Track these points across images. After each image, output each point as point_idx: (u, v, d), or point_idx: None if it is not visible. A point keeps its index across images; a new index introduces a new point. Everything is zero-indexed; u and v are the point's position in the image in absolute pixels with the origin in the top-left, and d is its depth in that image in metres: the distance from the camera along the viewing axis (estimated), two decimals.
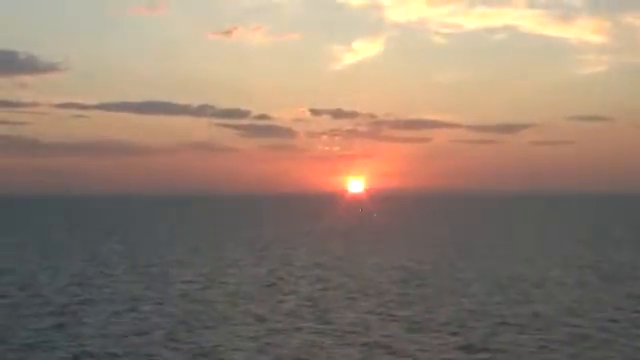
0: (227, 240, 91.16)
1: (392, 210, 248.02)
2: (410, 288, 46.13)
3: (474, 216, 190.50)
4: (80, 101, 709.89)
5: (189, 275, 53.80)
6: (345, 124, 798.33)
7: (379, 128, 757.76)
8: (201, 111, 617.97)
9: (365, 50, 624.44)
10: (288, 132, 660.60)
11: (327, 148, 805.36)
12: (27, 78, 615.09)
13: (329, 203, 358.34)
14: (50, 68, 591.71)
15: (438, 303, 39.93)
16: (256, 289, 46.16)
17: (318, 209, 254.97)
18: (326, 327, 33.45)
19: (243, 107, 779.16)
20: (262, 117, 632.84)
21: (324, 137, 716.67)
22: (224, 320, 35.22)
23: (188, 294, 43.92)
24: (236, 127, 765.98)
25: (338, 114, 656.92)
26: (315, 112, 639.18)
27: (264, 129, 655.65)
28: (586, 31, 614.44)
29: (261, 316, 36.32)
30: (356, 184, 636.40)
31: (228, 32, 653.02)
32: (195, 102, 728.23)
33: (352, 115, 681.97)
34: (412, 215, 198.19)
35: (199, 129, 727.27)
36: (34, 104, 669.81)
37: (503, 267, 58.23)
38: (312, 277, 52.70)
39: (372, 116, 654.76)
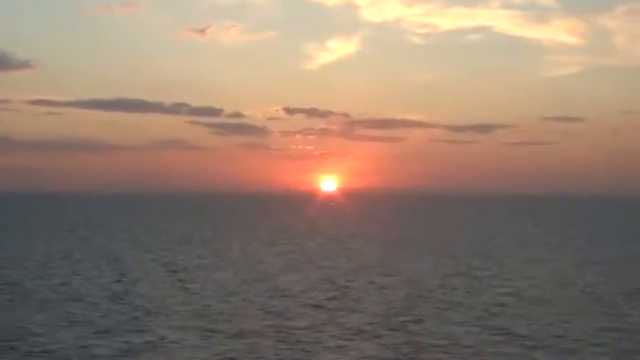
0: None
1: (363, 210, 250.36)
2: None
3: (442, 216, 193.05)
4: (52, 98, 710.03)
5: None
6: (319, 123, 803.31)
7: (353, 127, 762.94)
8: (174, 109, 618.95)
9: (340, 49, 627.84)
10: (262, 130, 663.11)
11: (301, 147, 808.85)
12: None
13: (303, 202, 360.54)
14: (22, 65, 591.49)
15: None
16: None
17: (297, 208, 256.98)
18: None
19: (216, 105, 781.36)
20: (236, 115, 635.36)
21: (298, 136, 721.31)
22: None
23: None
24: (209, 125, 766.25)
25: (312, 113, 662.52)
26: (289, 111, 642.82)
27: (238, 127, 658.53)
28: (561, 32, 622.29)
29: None
30: (329, 183, 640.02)
31: (202, 30, 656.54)
32: (168, 100, 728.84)
33: (326, 114, 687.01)
34: (382, 215, 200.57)
35: (172, 127, 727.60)
36: (6, 101, 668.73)
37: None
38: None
39: (346, 115, 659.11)
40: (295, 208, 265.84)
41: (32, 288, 48.89)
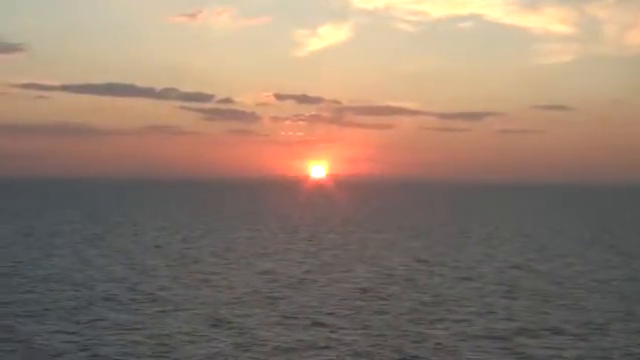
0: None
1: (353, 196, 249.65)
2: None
3: (442, 205, 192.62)
4: (42, 82, 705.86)
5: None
6: (309, 109, 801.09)
7: (343, 114, 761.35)
8: (164, 94, 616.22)
9: (331, 36, 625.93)
10: (252, 116, 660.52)
11: (290, 133, 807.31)
12: None
13: (292, 188, 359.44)
14: (12, 48, 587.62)
15: None
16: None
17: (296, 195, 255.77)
18: None
19: (207, 91, 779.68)
20: (226, 101, 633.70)
21: (288, 122, 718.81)
22: None
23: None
24: (200, 110, 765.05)
25: (303, 99, 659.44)
26: (280, 97, 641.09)
27: (228, 113, 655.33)
28: (552, 21, 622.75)
29: None
30: (319, 169, 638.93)
31: (193, 15, 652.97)
32: (159, 85, 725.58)
33: (317, 100, 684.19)
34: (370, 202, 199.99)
35: (162, 112, 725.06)
36: None
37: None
38: None
39: (337, 102, 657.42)
40: (290, 195, 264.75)
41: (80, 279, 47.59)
